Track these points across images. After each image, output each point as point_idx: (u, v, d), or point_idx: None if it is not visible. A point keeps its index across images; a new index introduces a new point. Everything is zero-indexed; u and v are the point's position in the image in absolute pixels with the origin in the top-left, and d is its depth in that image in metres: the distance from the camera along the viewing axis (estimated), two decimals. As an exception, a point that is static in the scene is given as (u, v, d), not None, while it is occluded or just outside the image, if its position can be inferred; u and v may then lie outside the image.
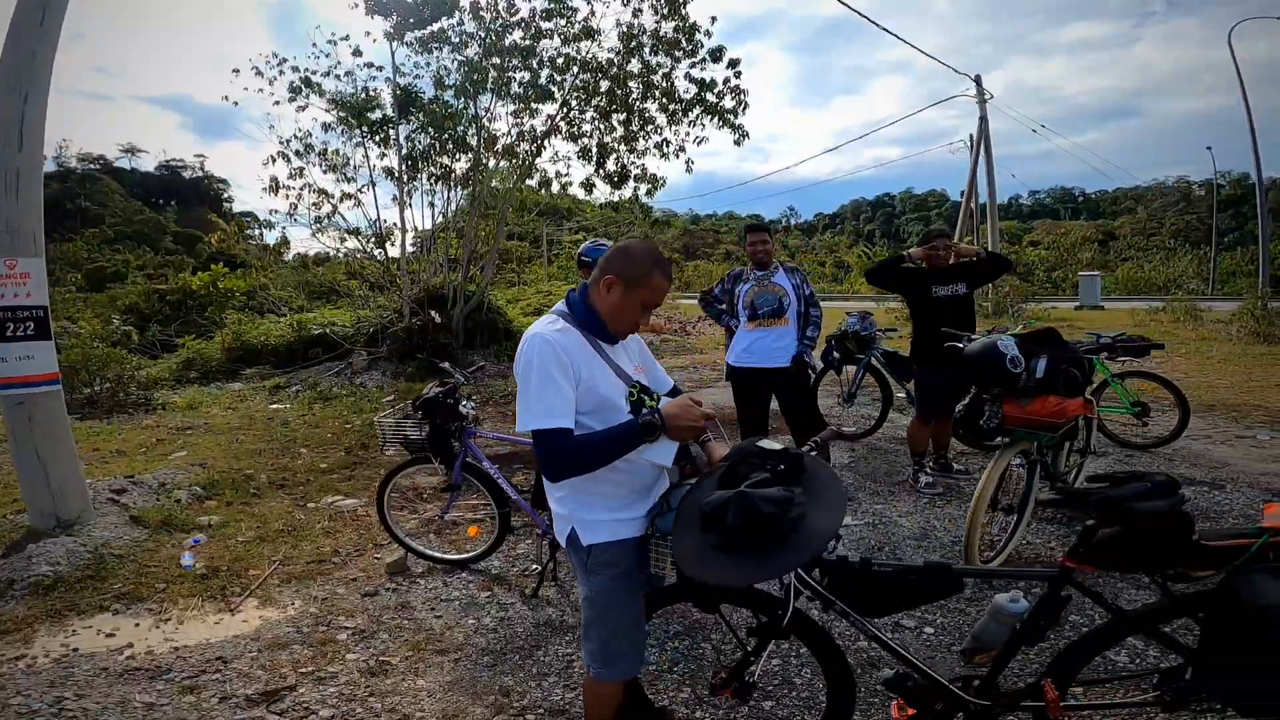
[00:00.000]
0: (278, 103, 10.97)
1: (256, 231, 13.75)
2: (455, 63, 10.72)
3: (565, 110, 11.05)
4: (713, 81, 10.74)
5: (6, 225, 4.01)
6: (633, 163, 11.59)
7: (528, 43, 10.43)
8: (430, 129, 10.84)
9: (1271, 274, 17.34)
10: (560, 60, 10.53)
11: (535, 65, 10.51)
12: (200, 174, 72.91)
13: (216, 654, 2.92)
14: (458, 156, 11.31)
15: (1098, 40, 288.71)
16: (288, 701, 2.59)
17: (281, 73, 10.50)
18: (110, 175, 71.47)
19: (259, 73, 10.45)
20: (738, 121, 11.01)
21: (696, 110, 10.84)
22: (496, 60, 10.35)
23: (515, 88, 10.67)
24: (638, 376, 1.94)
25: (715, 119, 10.84)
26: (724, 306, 4.49)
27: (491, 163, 11.31)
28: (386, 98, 10.73)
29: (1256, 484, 4.51)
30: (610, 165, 11.57)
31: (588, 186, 12.15)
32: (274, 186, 10.56)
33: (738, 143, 11.07)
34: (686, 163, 11.69)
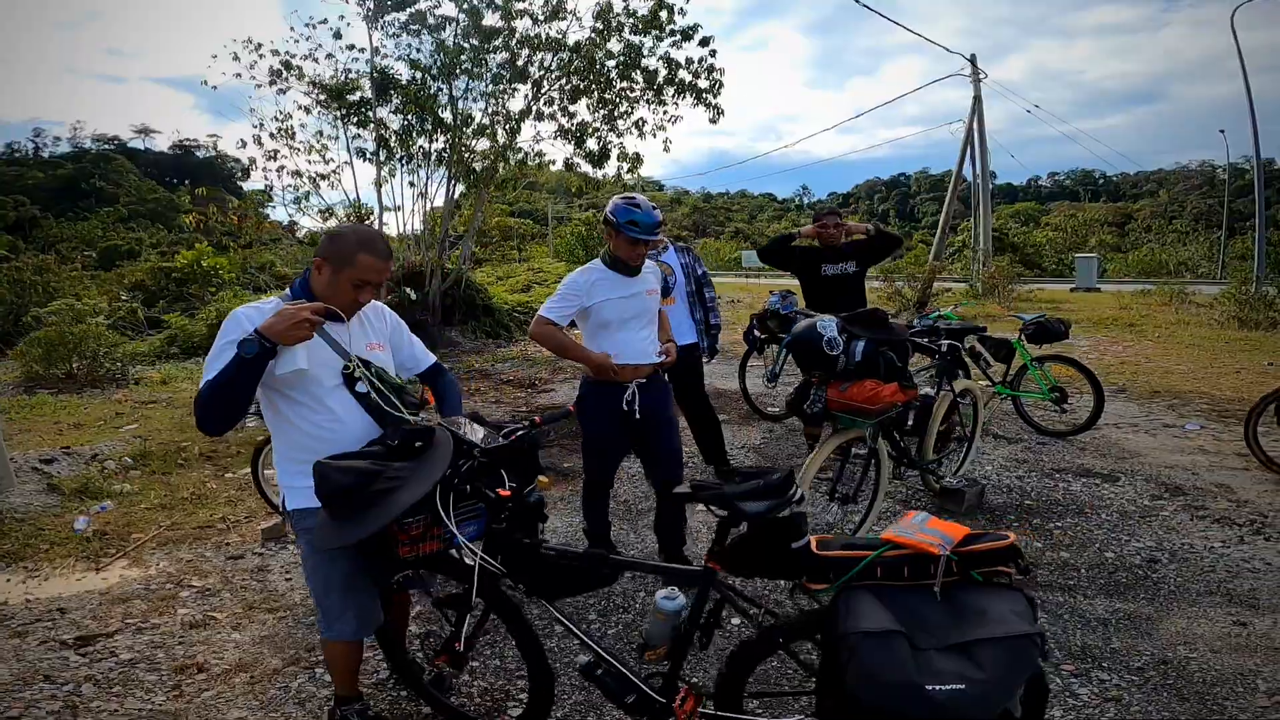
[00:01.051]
0: (259, 86, 11.04)
1: (271, 209, 13.90)
2: (433, 44, 10.74)
3: (537, 90, 11.04)
4: (689, 61, 10.71)
5: None
6: (612, 142, 11.64)
7: (502, 23, 10.43)
8: (407, 111, 10.88)
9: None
10: (535, 40, 10.49)
11: (513, 45, 10.49)
12: (213, 154, 73.37)
13: (60, 606, 3.13)
14: (435, 137, 11.34)
15: (1124, 24, 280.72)
16: (98, 646, 2.79)
17: (261, 56, 10.56)
18: (125, 155, 72.26)
19: (236, 58, 10.51)
20: (715, 101, 11.01)
21: (671, 90, 10.80)
22: (474, 42, 10.35)
23: (492, 68, 10.66)
24: (372, 354, 2.02)
25: (692, 97, 10.82)
26: None
27: (469, 143, 11.33)
28: (366, 80, 10.76)
29: (1155, 478, 4.43)
30: (591, 144, 11.62)
31: (569, 166, 12.22)
32: (246, 170, 10.66)
33: (714, 120, 11.10)
34: (664, 142, 11.72)
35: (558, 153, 12.47)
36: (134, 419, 7.26)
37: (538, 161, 11.88)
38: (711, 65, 10.86)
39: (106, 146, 73.58)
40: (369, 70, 10.64)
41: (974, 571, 1.57)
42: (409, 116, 10.83)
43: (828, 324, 3.15)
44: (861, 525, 3.51)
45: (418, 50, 10.73)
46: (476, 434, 1.93)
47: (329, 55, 10.68)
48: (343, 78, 10.81)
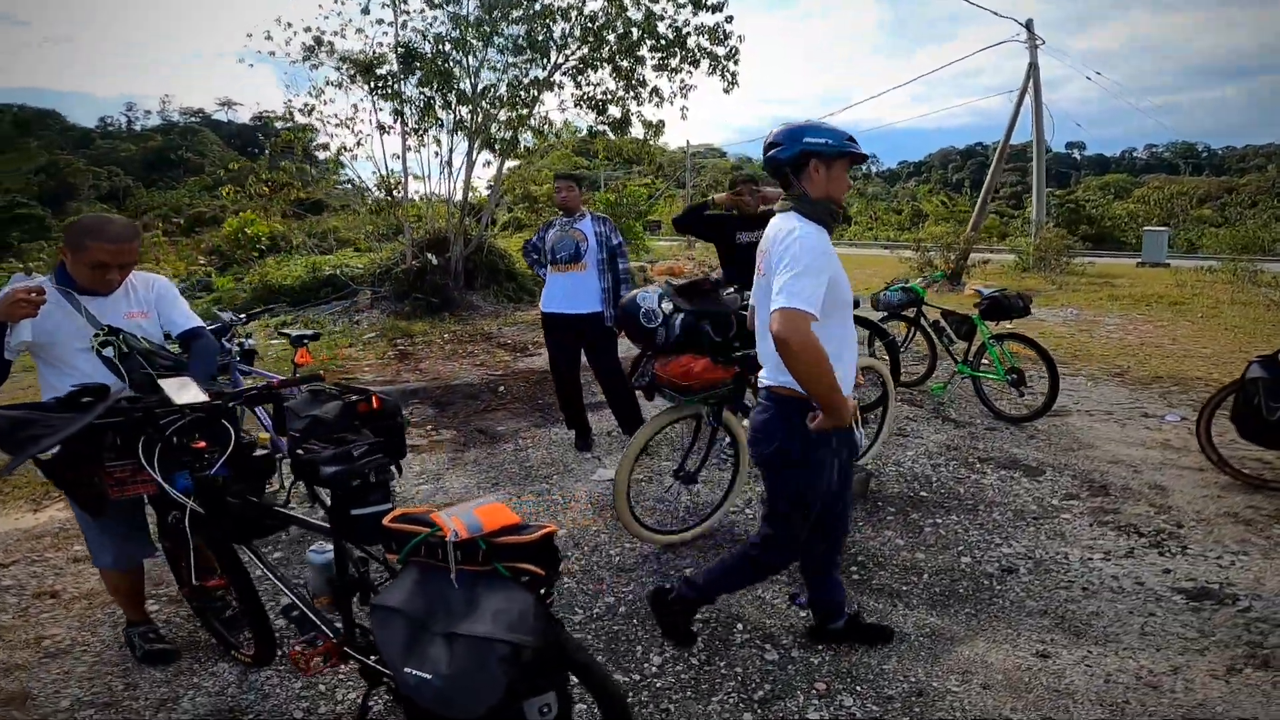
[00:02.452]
0: (294, 62, 11.50)
1: (346, 175, 14.58)
2: (453, 16, 10.92)
3: (556, 59, 11.10)
4: (704, 28, 10.56)
5: None
6: (634, 111, 11.68)
7: None
8: (430, 82, 11.13)
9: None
10: (552, 9, 10.54)
11: (531, 14, 10.57)
12: (290, 124, 76.18)
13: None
14: (456, 109, 11.59)
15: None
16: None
17: (296, 33, 10.97)
18: (209, 127, 76.14)
19: (268, 36, 10.95)
20: (733, 68, 10.89)
21: (682, 56, 10.68)
22: (496, 12, 10.48)
23: (511, 38, 10.79)
24: (130, 322, 2.34)
25: (709, 64, 10.71)
26: (537, 256, 4.57)
27: (490, 113, 11.53)
28: (391, 54, 11.05)
29: (1086, 474, 4.06)
30: (613, 111, 11.69)
31: (593, 133, 12.34)
32: (279, 145, 11.22)
33: (727, 90, 10.97)
34: (681, 110, 11.64)
35: (581, 121, 12.57)
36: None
37: (558, 130, 12.00)
38: (728, 32, 10.70)
39: (193, 119, 77.68)
40: (394, 44, 10.90)
41: (499, 564, 1.52)
42: (431, 89, 11.07)
43: (649, 294, 3.00)
44: (719, 507, 3.43)
45: (441, 23, 10.90)
46: (185, 395, 2.02)
47: (359, 30, 11.07)
48: (371, 52, 11.16)
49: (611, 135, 12.00)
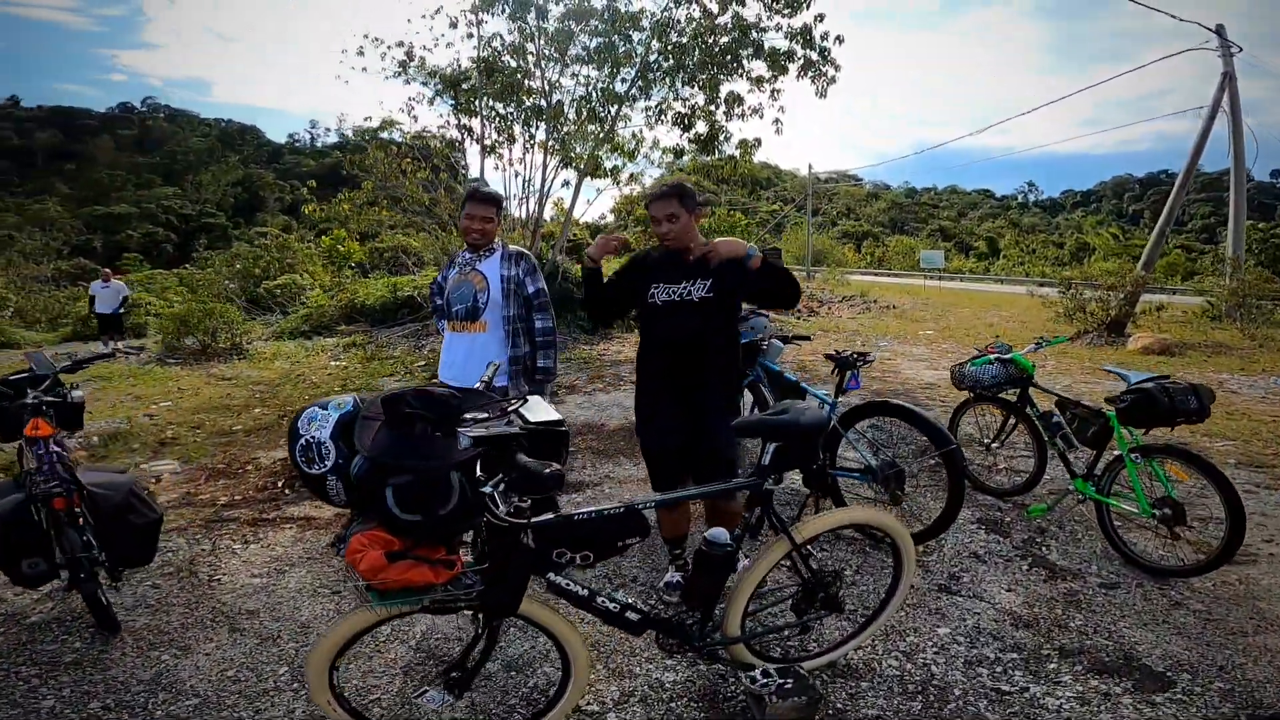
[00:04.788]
0: (387, 78, 11.49)
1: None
2: (537, 30, 10.43)
3: (637, 71, 10.25)
4: (805, 29, 9.30)
5: None
6: (721, 126, 10.64)
7: (601, 5, 9.86)
8: (511, 97, 10.71)
9: None
10: (635, 19, 9.75)
11: (615, 27, 9.84)
12: (442, 143, 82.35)
13: None
14: (535, 125, 11.10)
15: None
16: None
17: (389, 49, 10.93)
18: (375, 144, 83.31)
19: (361, 52, 10.97)
20: (832, 73, 9.59)
21: (781, 63, 9.48)
22: (574, 24, 9.86)
23: (591, 52, 10.13)
24: None
25: (797, 68, 9.44)
26: (439, 303, 3.25)
27: (570, 130, 10.91)
28: (474, 69, 10.77)
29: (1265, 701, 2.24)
30: (700, 127, 10.75)
31: (677, 153, 11.43)
32: (360, 162, 11.20)
33: (822, 95, 9.60)
34: (775, 122, 10.39)
35: (669, 139, 11.74)
36: (186, 395, 7.64)
37: (647, 149, 11.21)
38: (825, 33, 9.42)
39: (363, 139, 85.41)
40: (476, 59, 10.58)
41: None
42: (508, 104, 10.64)
43: (320, 413, 1.76)
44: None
45: (523, 36, 10.43)
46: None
47: (449, 44, 10.91)
48: (456, 66, 10.94)
49: (699, 154, 10.99)
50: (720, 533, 2.06)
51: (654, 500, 2.12)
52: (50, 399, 2.85)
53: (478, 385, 2.26)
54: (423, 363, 9.77)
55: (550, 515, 1.77)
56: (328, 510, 3.89)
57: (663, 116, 10.71)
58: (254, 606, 2.91)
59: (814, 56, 9.42)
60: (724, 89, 10.03)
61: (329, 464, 1.70)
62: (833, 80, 9.65)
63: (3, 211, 64.10)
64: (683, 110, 10.61)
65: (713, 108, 10.50)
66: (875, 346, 10.44)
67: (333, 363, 10.11)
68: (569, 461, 4.66)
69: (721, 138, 10.73)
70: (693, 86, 10.22)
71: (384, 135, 11.51)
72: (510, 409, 1.95)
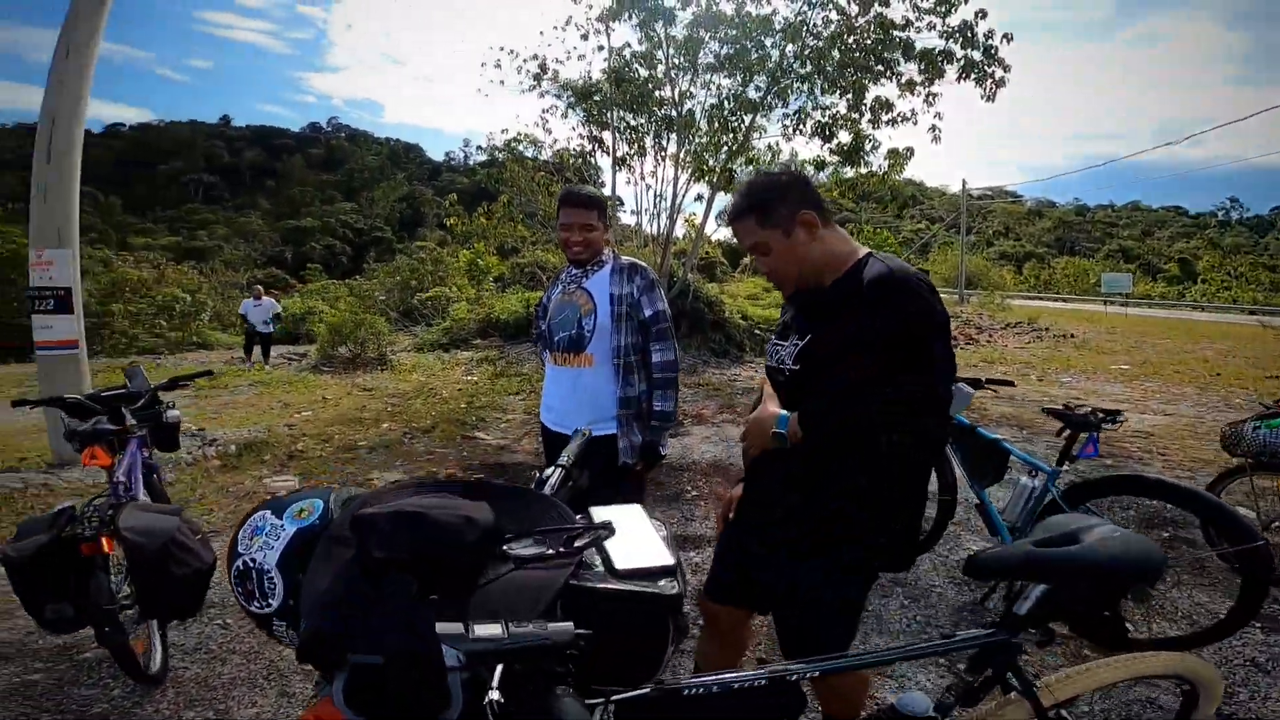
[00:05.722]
0: (523, 91, 11.75)
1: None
2: (666, 38, 10.18)
3: (780, 80, 9.65)
4: (965, 25, 8.31)
5: (38, 225, 4.73)
6: (867, 135, 9.78)
7: (732, 12, 9.42)
8: (642, 108, 10.53)
9: None
10: (767, 24, 9.19)
11: (746, 35, 9.37)
12: (580, 160, 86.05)
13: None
14: (668, 136, 10.84)
15: None
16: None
17: (524, 62, 11.16)
18: (517, 161, 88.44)
19: (498, 65, 11.25)
20: (1000, 74, 8.53)
21: (938, 65, 8.53)
22: (703, 31, 9.51)
23: (719, 57, 9.71)
24: None
25: (962, 71, 8.44)
26: (543, 328, 2.71)
27: (702, 141, 10.52)
28: (605, 80, 10.72)
29: None
30: (843, 137, 9.96)
31: (818, 165, 10.68)
32: (499, 176, 11.45)
33: (988, 98, 8.52)
34: (932, 129, 9.40)
35: (808, 150, 11.01)
36: (328, 404, 7.96)
37: (776, 160, 10.57)
38: (989, 30, 8.39)
39: (496, 153, 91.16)
40: (606, 70, 10.50)
41: None
42: (641, 115, 10.44)
43: (285, 517, 1.10)
44: None
45: (652, 44, 10.21)
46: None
47: (580, 56, 10.94)
48: (587, 78, 10.96)
49: (842, 166, 10.15)
50: (918, 699, 1.42)
51: (822, 667, 1.33)
52: (111, 425, 2.69)
53: (559, 467, 1.52)
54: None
55: (645, 688, 1.14)
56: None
57: (801, 126, 10.03)
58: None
59: (977, 56, 8.37)
60: (869, 94, 9.19)
61: (274, 603, 1.04)
62: (1002, 83, 8.56)
63: (214, 224, 74.37)
64: (823, 119, 9.87)
65: (856, 115, 9.68)
66: (1057, 382, 9.08)
67: (465, 377, 10.30)
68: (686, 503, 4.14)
69: (868, 147, 9.84)
70: (834, 93, 9.46)
71: (519, 148, 11.70)
72: (581, 540, 1.12)
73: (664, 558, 1.16)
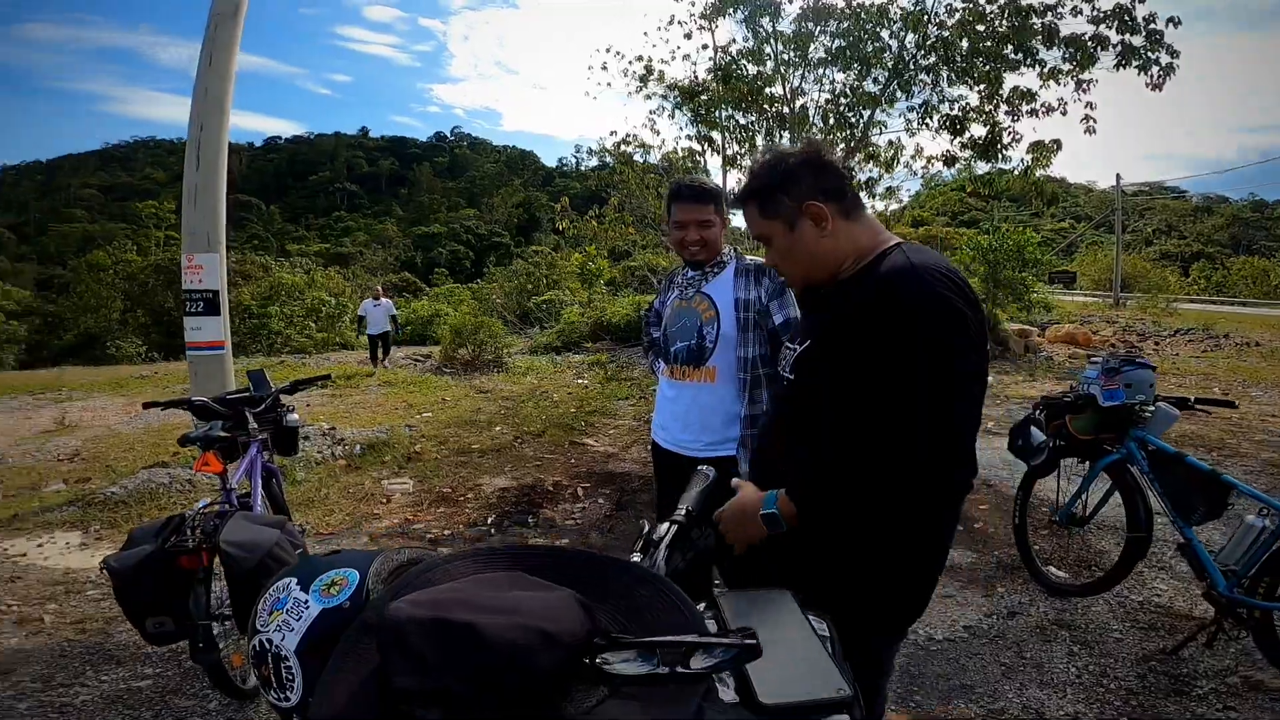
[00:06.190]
0: (630, 94, 11.81)
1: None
2: (774, 33, 9.86)
3: (902, 73, 9.05)
4: (1120, 9, 7.44)
5: (188, 229, 5.13)
6: (1005, 127, 8.95)
7: (842, 3, 8.96)
8: (751, 106, 10.27)
9: None
10: (889, 13, 8.65)
11: (859, 23, 8.88)
12: (689, 160, 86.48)
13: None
14: (780, 134, 10.49)
15: None
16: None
17: (630, 64, 11.20)
18: (627, 165, 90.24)
19: (605, 67, 11.36)
20: (1168, 61, 7.58)
21: (1088, 50, 7.67)
22: (813, 25, 9.09)
23: (832, 51, 9.25)
24: None
25: (1121, 58, 7.53)
26: (655, 335, 2.52)
27: (815, 136, 10.11)
28: (710, 78, 10.54)
29: None
30: (977, 130, 9.19)
31: (948, 160, 9.93)
32: (609, 179, 11.53)
33: (1156, 86, 7.52)
34: (1085, 119, 8.46)
35: (934, 146, 10.30)
36: (446, 406, 8.30)
37: (900, 156, 9.94)
38: (1151, 13, 7.46)
39: (605, 155, 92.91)
40: (712, 68, 10.32)
41: None
42: (750, 113, 10.17)
43: (313, 592, 0.90)
44: None
45: (759, 40, 9.90)
46: None
47: (685, 56, 10.82)
48: (693, 76, 10.83)
49: (975, 161, 9.33)
50: None
51: None
52: (222, 432, 2.70)
53: (674, 523, 1.19)
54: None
55: None
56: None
57: (927, 120, 9.32)
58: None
59: (1137, 42, 7.42)
60: (1006, 84, 8.39)
61: (293, 697, 0.85)
62: (1170, 70, 7.55)
63: (356, 230, 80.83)
64: (952, 112, 9.12)
65: (990, 107, 8.86)
66: (1247, 396, 7.94)
67: (575, 380, 10.45)
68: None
69: (1007, 139, 8.97)
70: (964, 83, 8.71)
71: (627, 150, 11.74)
72: (707, 659, 0.70)
73: (832, 682, 0.81)
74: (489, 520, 4.26)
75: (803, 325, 1.45)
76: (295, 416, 3.03)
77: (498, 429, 6.95)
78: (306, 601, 0.88)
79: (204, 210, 5.13)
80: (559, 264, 28.28)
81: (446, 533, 4.08)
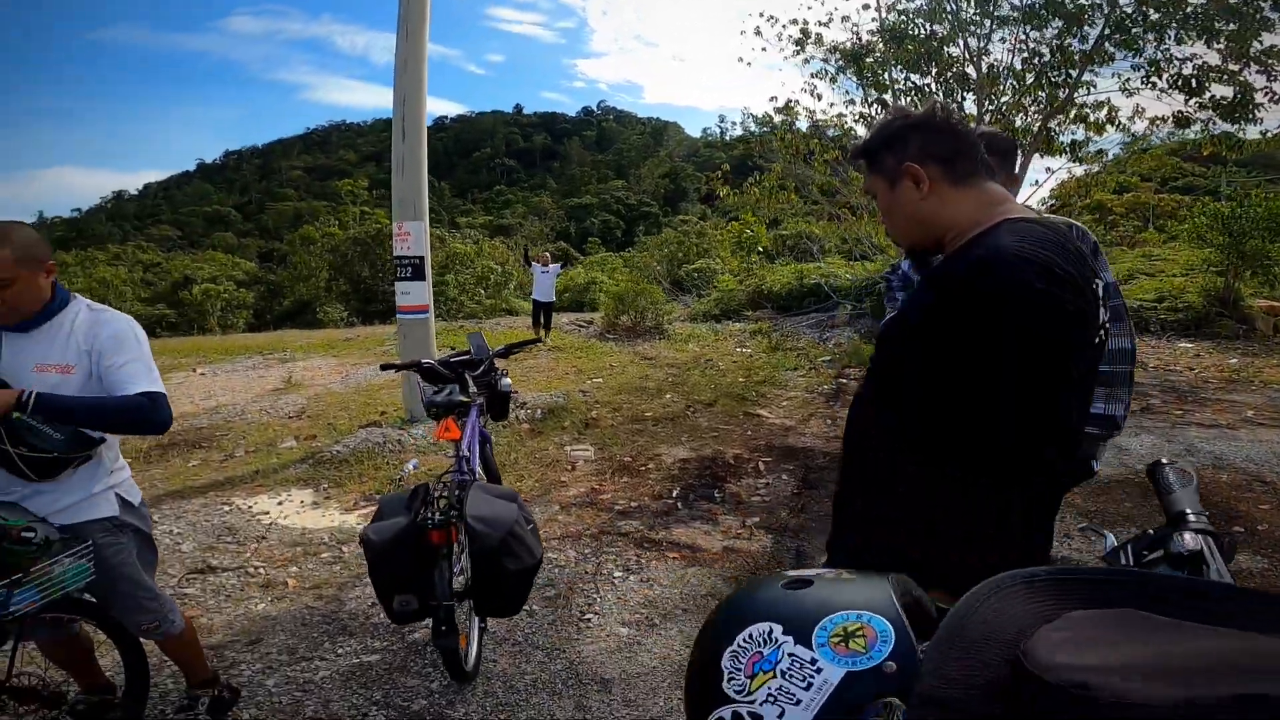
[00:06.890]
0: (786, 58, 11.29)
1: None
2: None
3: (1121, 30, 7.92)
4: None
5: (397, 198, 5.48)
6: (1263, 87, 7.63)
7: None
8: (920, 65, 9.45)
9: None
10: None
11: None
12: (839, 132, 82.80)
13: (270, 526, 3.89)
14: (963, 95, 9.57)
15: None
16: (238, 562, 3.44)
17: (785, 27, 10.65)
18: (773, 134, 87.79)
19: (758, 32, 10.86)
20: None
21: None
22: None
23: (1028, 10, 8.26)
24: (39, 376, 1.74)
25: None
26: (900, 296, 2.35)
27: (1009, 98, 9.11)
28: (879, 40, 9.78)
29: None
30: (1217, 89, 7.89)
31: (1181, 121, 8.55)
32: (764, 148, 11.17)
33: None
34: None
35: (1158, 107, 8.94)
36: (615, 372, 8.51)
37: (1116, 117, 8.70)
38: None
39: (765, 129, 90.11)
40: (879, 29, 9.56)
41: None
42: (924, 74, 9.35)
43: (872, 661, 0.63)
44: None
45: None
46: None
47: (844, 18, 10.13)
48: (856, 39, 10.11)
49: (1218, 121, 7.94)
50: None
51: None
52: (462, 397, 2.60)
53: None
54: (827, 357, 9.28)
55: None
56: (716, 540, 3.59)
57: (1152, 79, 8.09)
58: (611, 674, 2.48)
59: None
60: (1256, 41, 7.06)
61: None
62: None
63: (514, 203, 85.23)
64: (1185, 71, 7.83)
65: (1235, 67, 7.55)
66: None
67: (738, 349, 10.32)
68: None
69: (1261, 98, 7.62)
70: (1199, 40, 7.50)
71: (783, 118, 11.22)
72: None
73: None
74: (674, 493, 4.30)
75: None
76: (508, 381, 2.95)
77: (668, 396, 7.03)
78: (815, 661, 0.61)
79: (410, 179, 5.47)
80: (708, 233, 28.04)
81: (634, 505, 4.17)
